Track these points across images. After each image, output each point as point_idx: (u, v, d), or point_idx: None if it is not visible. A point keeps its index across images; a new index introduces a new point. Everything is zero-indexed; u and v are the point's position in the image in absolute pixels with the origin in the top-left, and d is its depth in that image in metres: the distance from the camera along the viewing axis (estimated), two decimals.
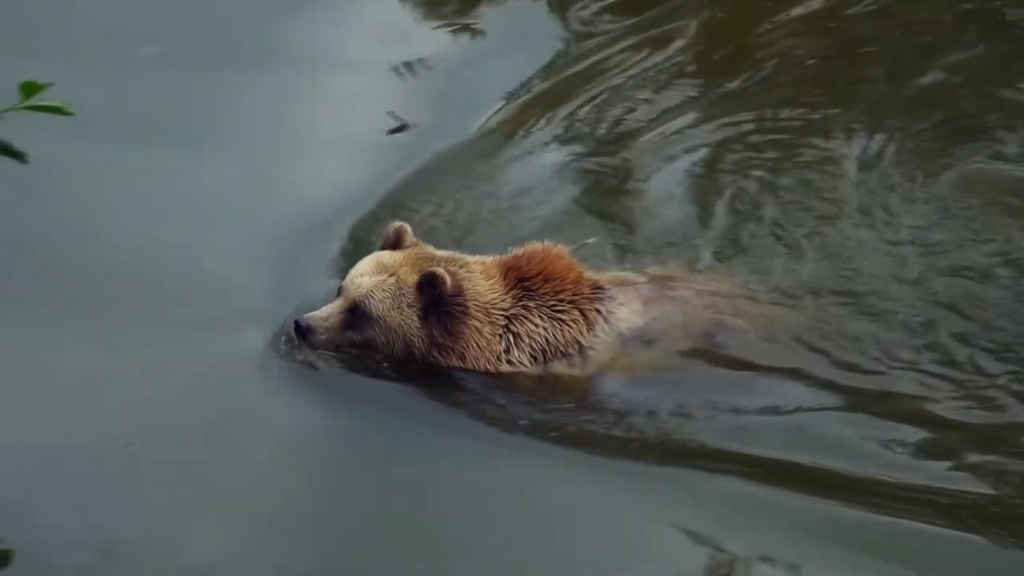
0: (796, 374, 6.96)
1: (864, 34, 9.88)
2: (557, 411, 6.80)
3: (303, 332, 6.75)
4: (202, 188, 8.24)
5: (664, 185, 8.46)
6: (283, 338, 6.94)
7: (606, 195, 8.45)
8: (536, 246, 7.03)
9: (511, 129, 9.08)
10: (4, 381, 6.68)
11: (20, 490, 6.16)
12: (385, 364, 6.87)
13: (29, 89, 4.41)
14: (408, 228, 6.99)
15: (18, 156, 4.52)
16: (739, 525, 6.18)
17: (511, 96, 9.40)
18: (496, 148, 8.89)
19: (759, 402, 6.81)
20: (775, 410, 6.79)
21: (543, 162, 8.74)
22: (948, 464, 6.49)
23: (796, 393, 6.86)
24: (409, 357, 6.83)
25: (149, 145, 8.42)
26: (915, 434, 6.63)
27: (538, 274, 6.93)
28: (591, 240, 7.88)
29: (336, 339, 6.80)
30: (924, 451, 6.57)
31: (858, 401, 6.84)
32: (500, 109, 9.26)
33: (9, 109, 4.43)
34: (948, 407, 6.81)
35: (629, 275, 7.27)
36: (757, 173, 8.45)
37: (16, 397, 6.52)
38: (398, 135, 8.85)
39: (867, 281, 7.48)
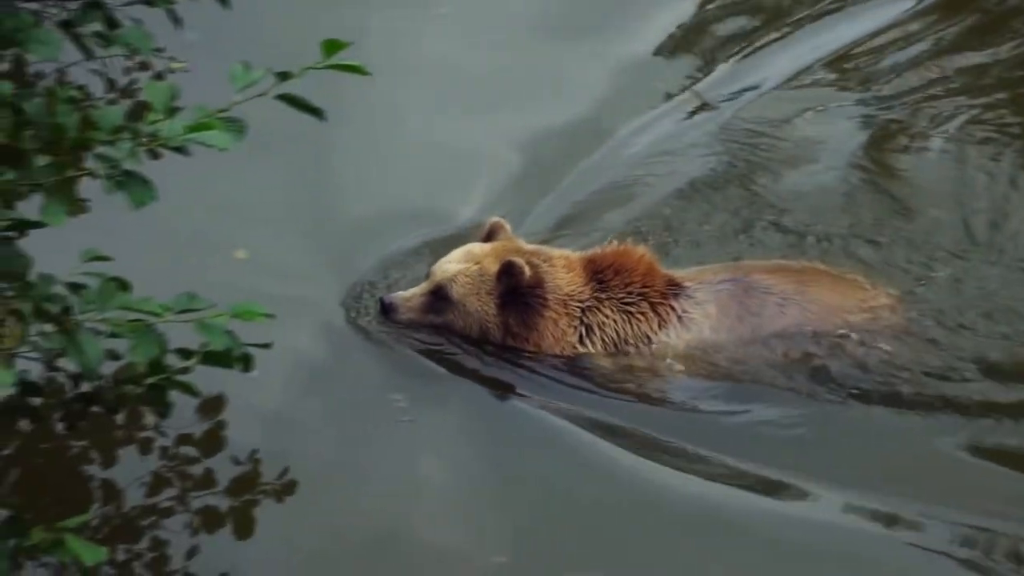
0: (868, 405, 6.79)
1: None
2: (618, 403, 6.87)
3: (386, 309, 7.01)
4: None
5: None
6: (368, 311, 7.18)
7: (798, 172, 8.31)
8: (616, 244, 7.17)
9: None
10: None
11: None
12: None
13: (331, 47, 4.55)
14: (504, 223, 7.21)
15: (317, 113, 4.66)
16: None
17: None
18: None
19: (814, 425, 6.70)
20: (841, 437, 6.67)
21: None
22: None
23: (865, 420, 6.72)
24: (484, 341, 7.03)
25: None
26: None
27: (610, 266, 7.05)
28: (818, 226, 7.80)
29: (417, 319, 7.05)
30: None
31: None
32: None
33: (310, 68, 4.56)
34: None
35: (719, 271, 7.18)
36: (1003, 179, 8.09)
37: None
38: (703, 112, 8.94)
39: None
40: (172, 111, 4.50)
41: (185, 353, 4.94)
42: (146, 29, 4.99)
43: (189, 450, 6.33)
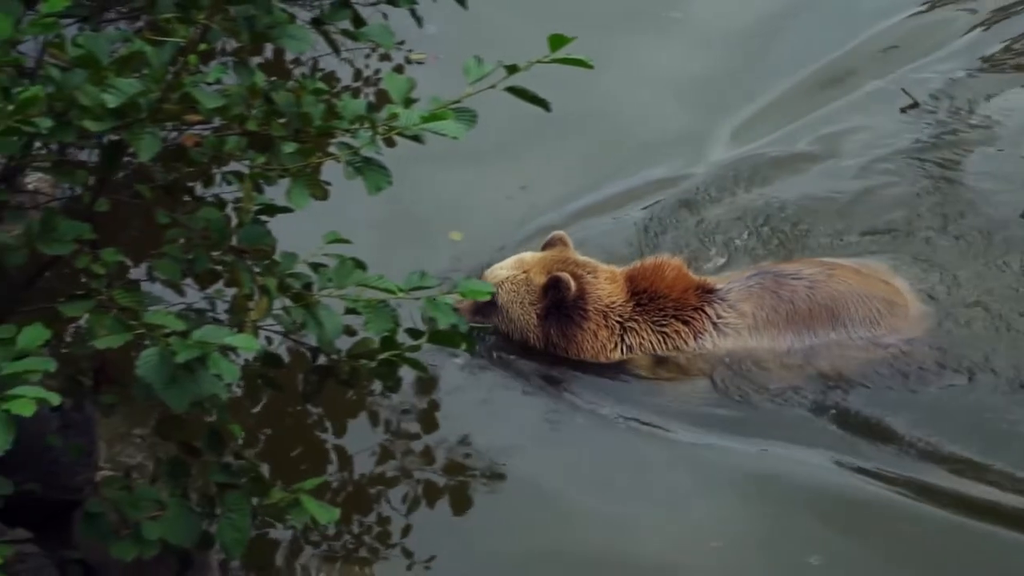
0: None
1: None
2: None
3: None
4: None
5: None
6: None
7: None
8: (650, 260, 7.21)
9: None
10: None
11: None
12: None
13: (556, 42, 4.71)
14: (566, 237, 7.28)
15: (542, 103, 4.84)
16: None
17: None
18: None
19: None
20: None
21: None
22: None
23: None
24: (526, 346, 7.13)
25: None
26: None
27: (645, 290, 7.11)
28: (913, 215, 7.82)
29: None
30: None
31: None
32: None
33: (537, 62, 4.74)
34: None
35: (747, 269, 7.22)
36: None
37: None
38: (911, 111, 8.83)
39: None
40: (409, 101, 4.74)
41: (413, 332, 5.19)
42: (388, 26, 5.26)
43: (409, 426, 6.64)
